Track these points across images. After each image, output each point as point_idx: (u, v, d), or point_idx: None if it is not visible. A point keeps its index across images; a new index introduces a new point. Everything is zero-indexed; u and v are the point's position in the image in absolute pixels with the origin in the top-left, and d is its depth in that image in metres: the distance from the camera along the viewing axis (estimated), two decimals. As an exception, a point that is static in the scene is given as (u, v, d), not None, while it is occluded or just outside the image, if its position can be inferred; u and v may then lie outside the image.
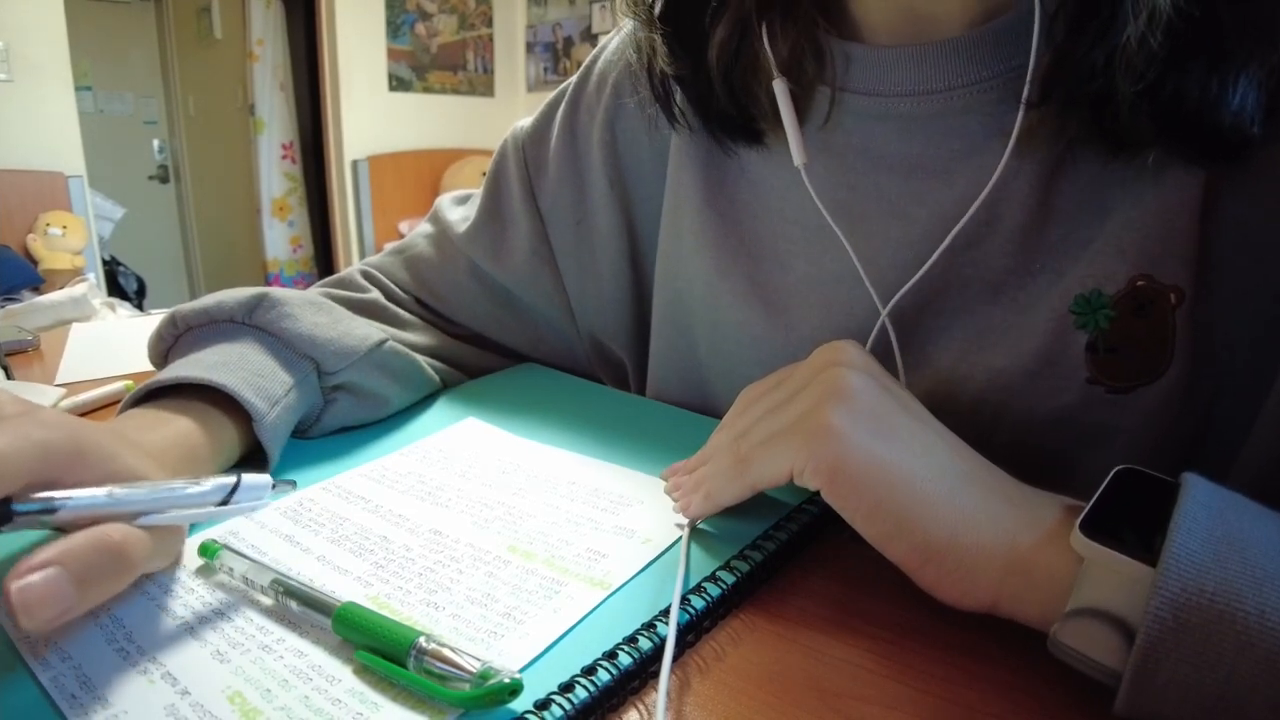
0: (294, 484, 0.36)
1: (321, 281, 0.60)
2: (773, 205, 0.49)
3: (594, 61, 0.58)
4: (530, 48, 4.35)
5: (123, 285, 3.34)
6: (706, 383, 0.53)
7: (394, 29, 3.94)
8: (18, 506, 0.26)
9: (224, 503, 0.32)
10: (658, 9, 0.47)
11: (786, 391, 0.35)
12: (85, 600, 0.26)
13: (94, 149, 3.21)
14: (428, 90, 4.13)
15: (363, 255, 4.00)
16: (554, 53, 4.22)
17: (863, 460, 0.30)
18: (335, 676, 0.26)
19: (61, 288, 1.86)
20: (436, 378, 0.55)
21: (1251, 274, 0.36)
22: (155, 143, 4.78)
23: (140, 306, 3.18)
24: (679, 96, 0.49)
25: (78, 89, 3.00)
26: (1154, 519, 0.26)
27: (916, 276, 0.41)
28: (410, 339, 0.55)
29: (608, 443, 0.47)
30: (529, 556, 0.34)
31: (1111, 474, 0.30)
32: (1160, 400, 0.38)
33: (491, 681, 0.24)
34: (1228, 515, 0.25)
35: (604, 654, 0.27)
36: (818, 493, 0.39)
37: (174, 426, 0.38)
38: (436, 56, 4.14)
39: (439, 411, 0.52)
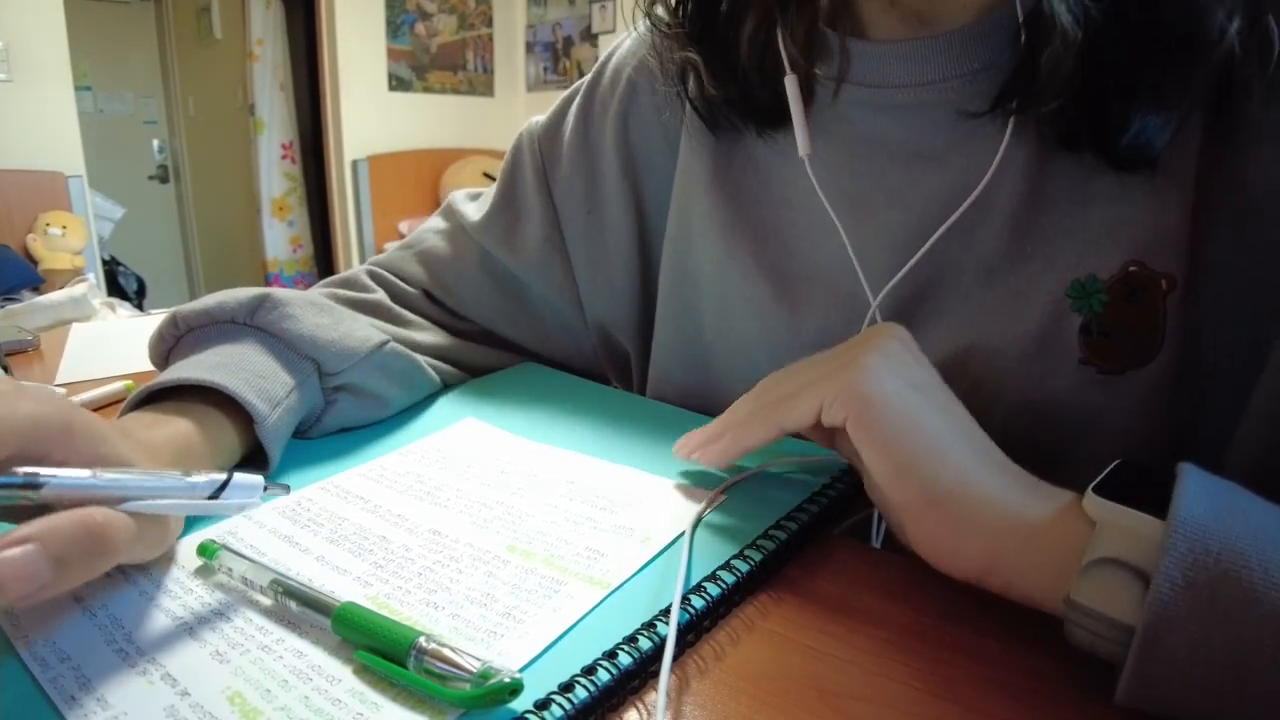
0: (287, 488, 0.36)
1: (325, 281, 0.60)
2: (779, 193, 0.51)
3: (608, 59, 0.60)
4: (530, 48, 4.35)
5: (123, 285, 3.34)
6: (710, 366, 0.54)
7: (394, 29, 3.94)
8: (0, 478, 0.26)
9: (213, 498, 0.32)
10: (686, 10, 0.50)
11: (821, 358, 0.36)
12: (62, 580, 0.25)
13: (94, 149, 3.21)
14: (427, 90, 4.13)
15: (363, 255, 4.00)
16: (554, 53, 4.22)
17: (891, 396, 0.31)
18: (335, 676, 0.26)
19: (61, 288, 1.86)
20: (437, 379, 0.55)
21: (1242, 264, 0.37)
22: (155, 143, 4.78)
23: (140, 306, 3.18)
24: (696, 87, 0.51)
25: (78, 89, 3.00)
26: (1153, 503, 0.27)
27: (908, 266, 0.43)
28: (415, 338, 0.56)
29: (607, 442, 0.47)
30: (528, 556, 0.34)
31: (1110, 466, 0.31)
32: (1151, 384, 0.39)
33: (492, 681, 0.24)
34: (1225, 493, 0.27)
35: (604, 654, 0.27)
36: (818, 492, 0.39)
37: (172, 426, 0.38)
38: (436, 56, 4.13)
39: (438, 411, 0.52)
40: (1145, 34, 0.35)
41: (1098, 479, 0.29)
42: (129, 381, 0.59)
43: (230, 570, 0.32)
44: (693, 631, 0.29)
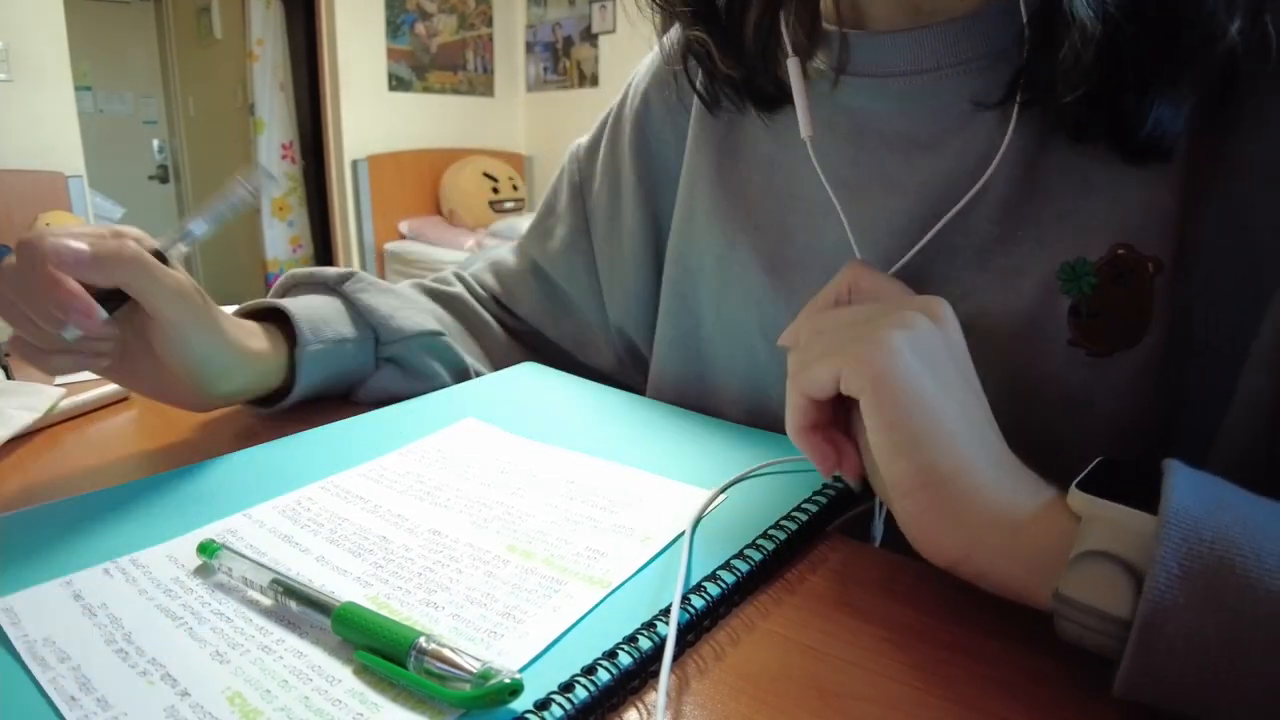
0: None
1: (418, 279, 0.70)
2: (781, 184, 0.52)
3: (632, 79, 0.64)
4: (530, 47, 4.35)
5: (123, 285, 3.33)
6: (707, 360, 0.56)
7: (394, 29, 3.94)
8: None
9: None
10: None
11: (860, 312, 0.35)
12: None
13: (94, 149, 3.20)
14: (427, 90, 4.13)
15: (363, 255, 4.00)
16: (554, 52, 4.22)
17: (907, 376, 0.30)
18: (335, 677, 0.26)
19: (61, 288, 1.86)
20: (479, 374, 0.61)
21: (1230, 246, 0.38)
22: (155, 143, 4.78)
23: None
24: (701, 66, 0.53)
25: (77, 89, 3.00)
26: (1138, 499, 0.27)
27: (910, 254, 0.44)
28: (480, 329, 0.66)
29: (607, 442, 0.47)
30: (528, 556, 0.34)
31: (1093, 463, 0.31)
32: (1139, 366, 0.40)
33: (492, 682, 0.24)
34: (1212, 486, 0.27)
35: (604, 653, 0.27)
36: (818, 491, 0.39)
37: (248, 324, 0.50)
38: (436, 56, 4.13)
39: (438, 411, 0.52)
40: (1162, 29, 0.36)
41: (1080, 476, 0.29)
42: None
43: (230, 570, 0.32)
44: (693, 631, 0.29)
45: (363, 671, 0.27)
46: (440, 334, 0.59)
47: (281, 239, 4.24)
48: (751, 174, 0.53)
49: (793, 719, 0.26)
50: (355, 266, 3.97)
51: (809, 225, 0.50)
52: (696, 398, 0.55)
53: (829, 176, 0.47)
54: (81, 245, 0.39)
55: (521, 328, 0.69)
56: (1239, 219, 0.37)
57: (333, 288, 0.58)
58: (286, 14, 4.14)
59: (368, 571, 0.33)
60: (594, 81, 4.05)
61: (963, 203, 0.42)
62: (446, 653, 0.25)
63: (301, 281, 0.59)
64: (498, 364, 0.64)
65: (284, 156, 4.21)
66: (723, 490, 0.39)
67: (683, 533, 0.35)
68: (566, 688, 0.25)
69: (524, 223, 0.71)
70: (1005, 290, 0.42)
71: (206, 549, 0.32)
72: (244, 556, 0.32)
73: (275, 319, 0.54)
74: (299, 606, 0.29)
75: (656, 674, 0.27)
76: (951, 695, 0.27)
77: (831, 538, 0.37)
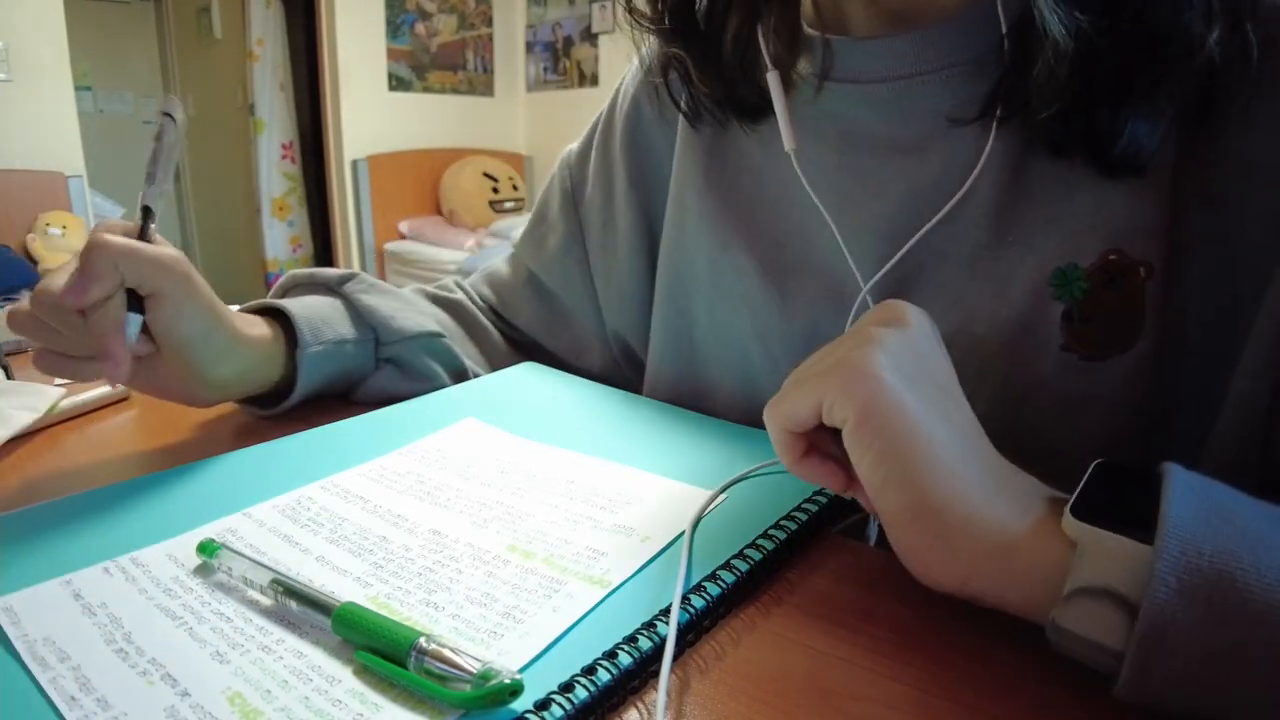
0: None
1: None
2: (769, 190, 0.52)
3: (621, 82, 0.64)
4: (530, 47, 4.35)
5: (122, 285, 3.33)
6: (701, 363, 0.56)
7: (394, 29, 3.94)
8: None
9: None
10: (666, 5, 0.51)
11: (832, 345, 0.35)
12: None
13: (94, 149, 3.20)
14: (427, 90, 4.13)
15: (362, 255, 4.00)
16: (554, 52, 4.22)
17: (893, 403, 0.30)
18: (335, 677, 0.26)
19: (61, 288, 1.85)
20: (477, 376, 0.61)
21: (1218, 252, 0.38)
22: (155, 143, 4.77)
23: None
24: (681, 81, 0.54)
25: (77, 89, 3.00)
26: (1135, 507, 0.26)
27: (896, 258, 0.44)
28: (480, 337, 0.66)
29: (606, 442, 0.47)
30: (528, 556, 0.34)
31: (1091, 467, 0.30)
32: (1132, 370, 0.40)
33: (492, 682, 0.24)
34: (1211, 492, 0.27)
35: (604, 653, 0.27)
36: (818, 491, 0.39)
37: (255, 320, 0.51)
38: (436, 56, 4.13)
39: (438, 411, 0.52)
40: (1136, 44, 0.36)
41: (1076, 492, 0.29)
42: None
43: (230, 570, 0.32)
44: (693, 631, 0.29)
45: (363, 672, 0.27)
46: (440, 335, 0.59)
47: (281, 239, 4.24)
48: (740, 180, 0.53)
49: (793, 719, 0.26)
50: (355, 266, 3.98)
51: (800, 231, 0.50)
52: (691, 401, 0.55)
53: (815, 182, 0.47)
54: (72, 282, 0.40)
55: (520, 338, 0.69)
56: (1227, 222, 0.37)
57: (333, 288, 0.58)
58: (286, 14, 4.14)
59: (368, 571, 0.33)
60: (594, 81, 4.05)
61: (948, 208, 0.42)
62: (446, 653, 0.25)
63: (302, 282, 0.60)
64: (497, 369, 0.64)
65: (284, 156, 4.21)
66: (723, 490, 0.39)
67: (683, 533, 0.35)
68: (566, 688, 0.25)
69: (524, 223, 0.72)
70: (996, 296, 0.42)
71: (206, 548, 0.32)
72: (244, 556, 0.32)
73: (276, 319, 0.54)
74: (299, 606, 0.29)
75: (656, 674, 0.27)
76: (952, 695, 0.27)
77: (831, 538, 0.37)
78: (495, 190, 4.06)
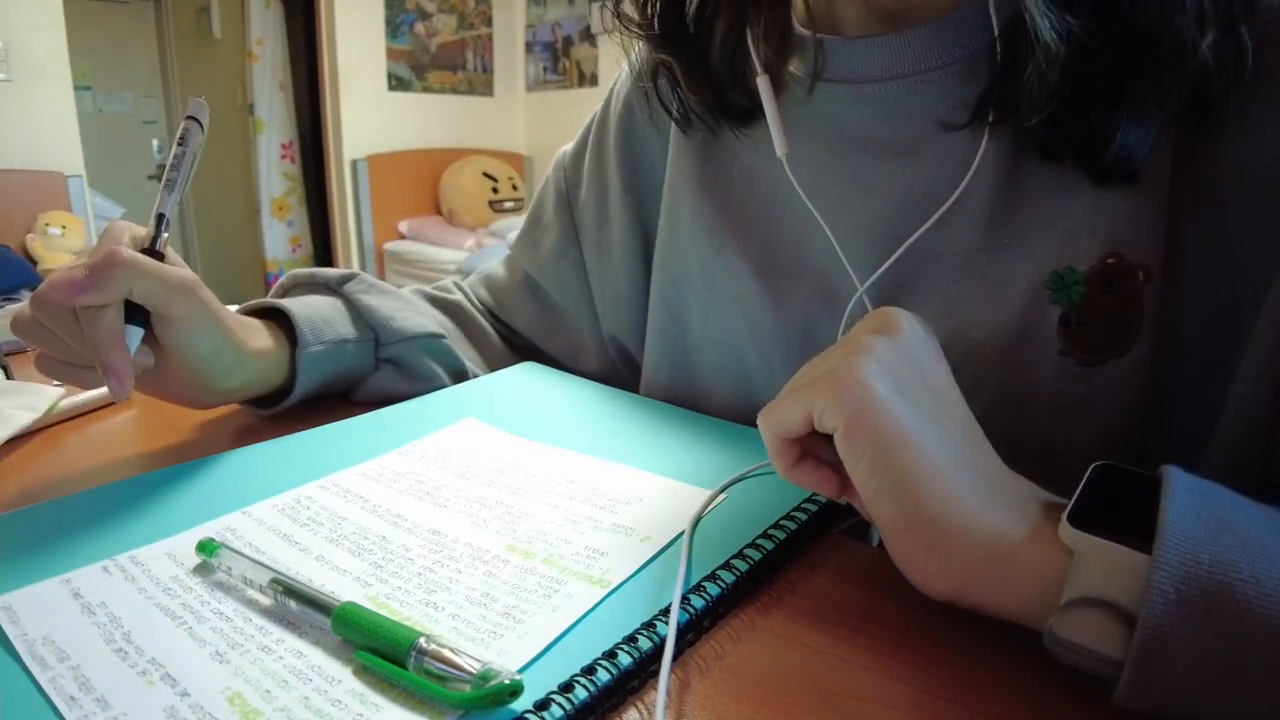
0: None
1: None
2: (763, 192, 0.52)
3: (615, 83, 0.64)
4: (529, 47, 4.35)
5: (122, 285, 3.33)
6: (695, 365, 0.56)
7: (393, 28, 3.94)
8: None
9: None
10: (655, 10, 0.51)
11: (825, 353, 0.34)
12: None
13: (93, 149, 3.20)
14: (427, 90, 4.13)
15: (362, 255, 4.00)
16: (553, 52, 4.22)
17: (883, 412, 0.29)
18: (335, 677, 0.26)
19: (61, 288, 1.85)
20: (477, 377, 0.61)
21: (1216, 255, 0.38)
22: (154, 142, 4.77)
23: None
24: (669, 87, 0.53)
25: (77, 89, 3.00)
26: (1135, 511, 0.26)
27: (893, 258, 0.43)
28: (478, 339, 0.66)
29: (606, 442, 0.47)
30: (528, 555, 0.34)
31: (1090, 470, 0.30)
32: (1129, 374, 0.39)
33: (492, 682, 0.24)
34: (1210, 498, 0.26)
35: (603, 653, 0.27)
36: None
37: (256, 324, 0.51)
38: (436, 56, 4.13)
39: (438, 411, 0.52)
40: (1128, 48, 0.36)
41: (1073, 498, 0.28)
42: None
43: (230, 569, 0.32)
44: (692, 631, 0.29)
45: (362, 672, 0.27)
46: (440, 336, 0.59)
47: (281, 239, 4.24)
48: (733, 182, 0.53)
49: (792, 719, 0.26)
50: (355, 266, 3.98)
51: (794, 234, 0.50)
52: (687, 404, 0.55)
53: (808, 184, 0.47)
54: (75, 274, 0.39)
55: (518, 340, 0.69)
56: (1225, 226, 0.37)
57: (333, 288, 0.58)
58: (286, 14, 4.14)
59: (367, 571, 0.33)
60: (593, 81, 4.05)
61: (942, 211, 0.42)
62: (446, 653, 0.25)
63: (302, 282, 0.60)
64: (496, 370, 0.64)
65: (284, 156, 4.21)
66: (722, 490, 0.39)
67: (682, 532, 0.35)
68: (566, 688, 0.25)
69: (522, 223, 0.72)
70: (992, 300, 0.41)
71: (206, 547, 0.32)
72: (243, 555, 0.32)
73: (276, 319, 0.54)
74: (299, 606, 0.29)
75: (656, 674, 0.27)
76: (952, 695, 0.27)
77: (831, 538, 0.37)
78: (495, 190, 4.06)
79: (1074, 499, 0.28)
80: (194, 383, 0.46)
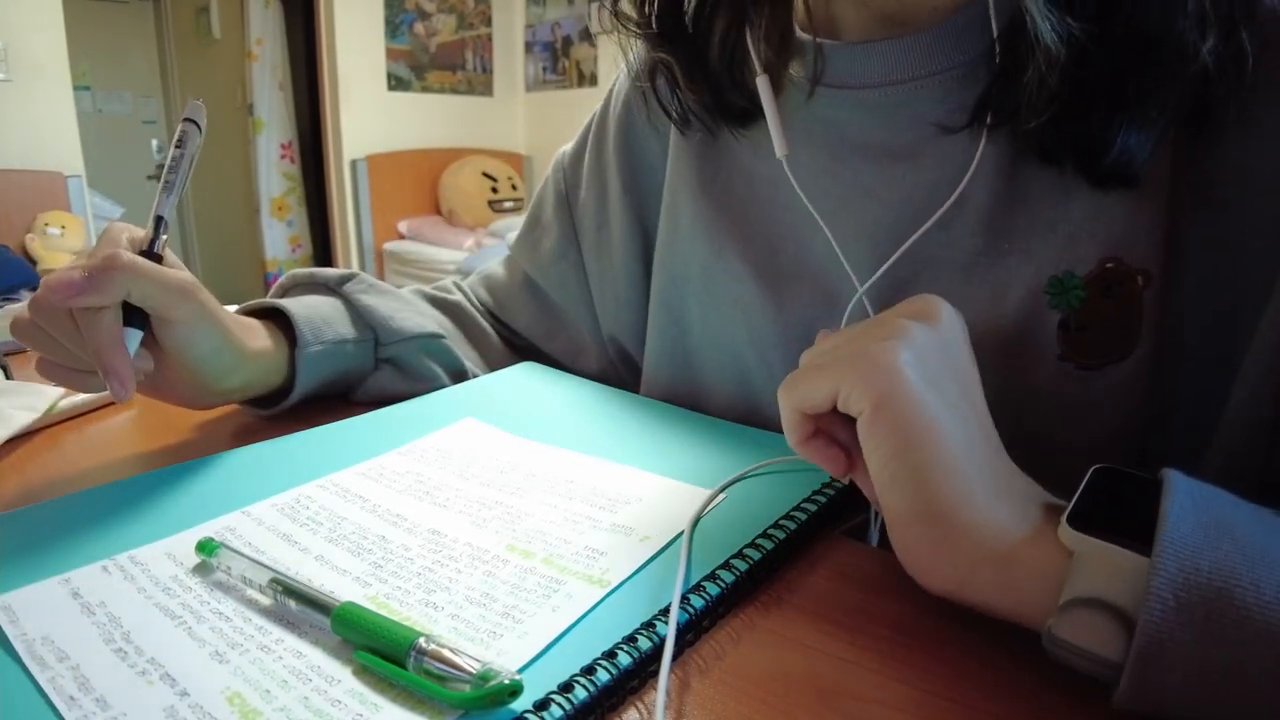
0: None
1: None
2: (763, 194, 0.52)
3: (615, 83, 0.64)
4: (529, 47, 4.35)
5: (122, 285, 3.33)
6: (696, 367, 0.56)
7: (393, 28, 3.94)
8: None
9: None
10: (653, 9, 0.51)
11: (856, 330, 0.34)
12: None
13: (93, 149, 3.20)
14: (426, 90, 4.13)
15: (362, 255, 4.00)
16: (553, 52, 4.22)
17: (912, 399, 0.29)
18: (335, 677, 0.26)
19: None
20: (476, 377, 0.61)
21: (1216, 259, 0.38)
22: (154, 142, 4.77)
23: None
24: (668, 87, 0.53)
25: (76, 89, 2.99)
26: (1134, 514, 0.26)
27: (888, 263, 0.43)
28: (478, 340, 0.66)
29: (606, 441, 0.47)
30: (527, 555, 0.34)
31: (1090, 472, 0.30)
32: (1129, 378, 0.39)
33: (491, 683, 0.24)
34: (1211, 503, 0.26)
35: (603, 653, 0.27)
36: (818, 491, 0.39)
37: (255, 325, 0.51)
38: (435, 56, 4.13)
39: (438, 411, 0.52)
40: (1129, 51, 0.35)
41: (1074, 499, 0.28)
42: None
43: (229, 569, 0.31)
44: (692, 631, 0.29)
45: (362, 672, 0.27)
46: (440, 336, 0.59)
47: (281, 239, 4.24)
48: (733, 184, 0.53)
49: (792, 719, 0.26)
50: (354, 266, 3.98)
51: (795, 237, 0.50)
52: (687, 406, 0.55)
53: (808, 188, 0.47)
54: (73, 275, 0.39)
55: (518, 341, 0.69)
56: (1226, 229, 0.37)
57: (333, 288, 0.58)
58: (285, 14, 4.14)
59: (367, 571, 0.33)
60: (593, 81, 4.05)
61: (939, 214, 0.42)
62: (446, 653, 0.25)
63: (302, 282, 0.60)
64: (495, 370, 0.64)
65: (283, 156, 4.21)
66: (722, 489, 0.39)
67: (682, 532, 0.35)
68: (566, 688, 0.25)
69: (522, 223, 0.72)
70: (992, 304, 0.41)
71: (205, 547, 0.32)
72: (243, 555, 0.32)
73: (275, 318, 0.54)
74: (298, 606, 0.29)
75: (656, 674, 0.27)
76: (953, 695, 0.27)
77: (831, 538, 0.37)
78: (494, 190, 4.06)
79: (1074, 501, 0.28)
80: (194, 383, 0.46)
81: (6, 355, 0.62)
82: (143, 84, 4.68)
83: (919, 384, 0.30)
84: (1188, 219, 0.38)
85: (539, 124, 4.42)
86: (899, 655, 0.29)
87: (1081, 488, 0.29)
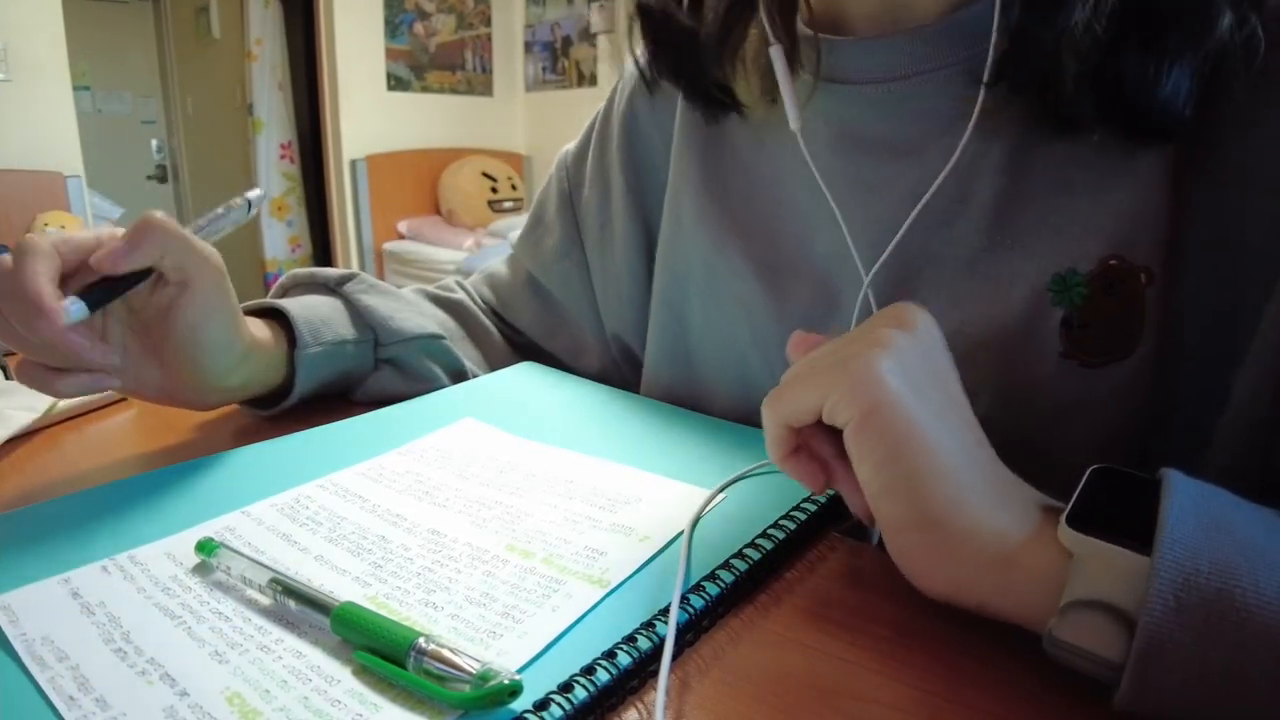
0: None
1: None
2: (765, 191, 0.52)
3: (618, 82, 0.64)
4: (529, 47, 4.34)
5: (121, 285, 3.33)
6: (696, 365, 0.56)
7: (392, 28, 3.93)
8: None
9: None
10: None
11: (839, 342, 0.34)
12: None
13: (92, 149, 3.20)
14: (426, 90, 4.13)
15: (361, 255, 4.00)
16: (552, 52, 4.22)
17: (897, 407, 0.29)
18: (334, 677, 0.26)
19: (60, 288, 1.85)
20: (477, 377, 0.61)
21: (1218, 255, 0.37)
22: (154, 142, 4.77)
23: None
24: (673, 71, 0.53)
25: (76, 89, 2.99)
26: (1134, 514, 0.26)
27: (889, 249, 0.43)
28: (480, 338, 0.66)
29: (606, 441, 0.47)
30: (527, 555, 0.34)
31: (1088, 473, 0.30)
32: (1131, 376, 0.39)
33: (491, 683, 0.24)
34: (1211, 503, 0.26)
35: (603, 653, 0.27)
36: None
37: (256, 322, 0.50)
38: (435, 56, 4.13)
39: (436, 411, 0.52)
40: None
41: (1072, 499, 0.28)
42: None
43: (229, 568, 0.31)
44: (692, 631, 0.29)
45: (362, 672, 0.27)
46: (440, 337, 0.59)
47: (280, 239, 4.24)
48: (736, 182, 0.53)
49: (792, 719, 0.26)
50: (354, 266, 3.97)
51: (796, 233, 0.50)
52: (688, 405, 0.55)
53: (811, 181, 0.46)
54: (116, 245, 0.41)
55: (521, 340, 0.69)
56: (1227, 226, 0.37)
57: (333, 289, 0.58)
58: (285, 14, 4.14)
59: (367, 571, 0.33)
60: (593, 81, 4.05)
61: (925, 200, 0.42)
62: (446, 653, 0.25)
63: (302, 282, 0.60)
64: (498, 369, 0.64)
65: (283, 156, 4.20)
66: (722, 489, 0.39)
67: (681, 532, 0.35)
68: (565, 688, 0.25)
69: (523, 222, 0.72)
70: (995, 300, 0.41)
71: (205, 547, 0.32)
72: (242, 555, 0.32)
73: (275, 319, 0.54)
74: (298, 606, 0.29)
75: (656, 674, 0.27)
76: (952, 695, 0.27)
77: (831, 538, 0.37)
78: (494, 190, 4.06)
79: (1072, 501, 0.28)
80: (195, 381, 0.46)
81: (6, 355, 0.62)
82: (142, 84, 4.68)
83: (905, 392, 0.29)
84: (1190, 216, 0.38)
85: (539, 124, 4.42)
86: (899, 655, 0.29)
87: (1080, 488, 0.29)
